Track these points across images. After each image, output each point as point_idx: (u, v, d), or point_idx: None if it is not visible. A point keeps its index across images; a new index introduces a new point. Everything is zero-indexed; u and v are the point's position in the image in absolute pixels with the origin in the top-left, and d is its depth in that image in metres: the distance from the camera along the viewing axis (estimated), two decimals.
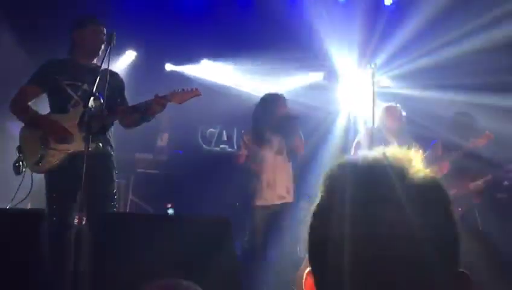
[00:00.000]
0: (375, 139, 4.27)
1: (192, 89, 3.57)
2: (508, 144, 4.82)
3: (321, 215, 0.86)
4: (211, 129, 6.91)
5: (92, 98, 3.10)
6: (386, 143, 4.30)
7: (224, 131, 6.92)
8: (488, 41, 5.45)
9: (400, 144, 0.94)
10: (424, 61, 5.89)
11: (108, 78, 3.28)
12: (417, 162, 0.85)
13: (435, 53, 5.83)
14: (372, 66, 4.29)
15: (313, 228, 0.86)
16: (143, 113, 3.57)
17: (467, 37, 5.58)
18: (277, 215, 4.50)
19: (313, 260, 0.86)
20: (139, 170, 5.53)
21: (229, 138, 6.90)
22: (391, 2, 6.32)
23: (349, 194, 0.81)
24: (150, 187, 5.77)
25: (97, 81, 3.20)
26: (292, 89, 6.37)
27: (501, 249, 3.93)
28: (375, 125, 4.45)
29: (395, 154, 0.86)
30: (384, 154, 0.86)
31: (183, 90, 3.54)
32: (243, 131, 4.75)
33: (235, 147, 6.86)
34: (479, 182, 4.52)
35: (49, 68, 3.61)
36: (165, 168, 5.69)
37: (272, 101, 4.58)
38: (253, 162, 4.54)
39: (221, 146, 6.87)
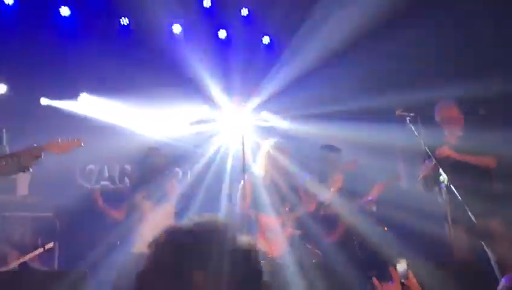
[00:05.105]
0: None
1: (74, 139, 3.56)
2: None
3: (146, 277, 0.95)
4: (90, 166, 6.60)
5: None
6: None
7: (105, 167, 6.65)
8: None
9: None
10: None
11: None
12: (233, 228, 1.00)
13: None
14: (244, 103, 4.45)
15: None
16: (17, 163, 3.39)
17: None
18: None
19: None
20: (6, 213, 5.06)
21: (111, 174, 6.64)
22: (269, 41, 6.63)
23: (171, 258, 0.93)
24: (20, 232, 5.30)
25: None
26: (175, 126, 6.38)
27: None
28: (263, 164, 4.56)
29: (220, 221, 1.01)
30: (213, 221, 1.01)
31: (65, 139, 3.52)
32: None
33: (118, 184, 6.63)
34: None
35: None
36: (37, 210, 5.27)
37: (145, 155, 4.90)
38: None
39: (102, 183, 6.57)
